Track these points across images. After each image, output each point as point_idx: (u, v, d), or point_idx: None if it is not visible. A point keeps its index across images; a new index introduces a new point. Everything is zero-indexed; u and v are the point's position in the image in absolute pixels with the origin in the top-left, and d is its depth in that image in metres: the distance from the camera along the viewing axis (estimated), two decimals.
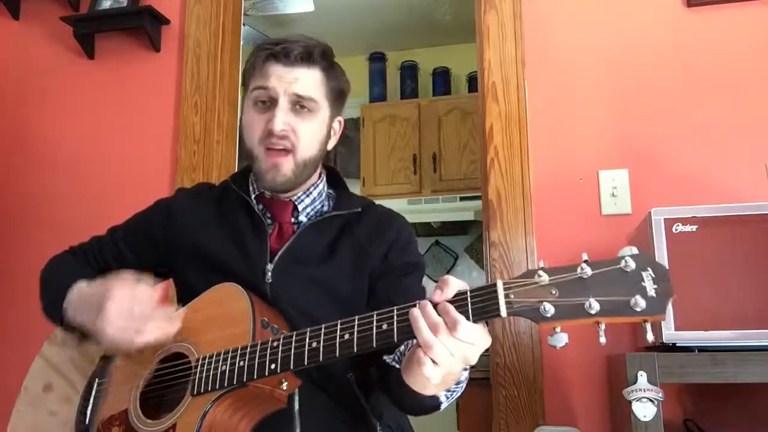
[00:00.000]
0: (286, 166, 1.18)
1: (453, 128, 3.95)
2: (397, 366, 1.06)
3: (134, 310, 1.07)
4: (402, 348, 1.11)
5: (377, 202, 1.36)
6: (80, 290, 1.20)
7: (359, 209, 1.26)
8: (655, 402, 1.33)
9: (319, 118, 1.21)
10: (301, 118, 1.18)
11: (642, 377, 1.35)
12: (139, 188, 2.14)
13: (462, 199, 3.84)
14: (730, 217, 1.44)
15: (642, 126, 1.87)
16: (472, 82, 4.04)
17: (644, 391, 1.34)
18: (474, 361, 0.88)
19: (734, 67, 1.84)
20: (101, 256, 1.32)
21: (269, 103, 1.18)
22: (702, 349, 1.39)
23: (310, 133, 1.19)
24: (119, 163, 2.20)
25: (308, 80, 1.18)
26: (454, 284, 0.88)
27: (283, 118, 1.16)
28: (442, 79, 4.25)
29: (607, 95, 1.90)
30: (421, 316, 0.86)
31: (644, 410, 1.34)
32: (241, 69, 2.34)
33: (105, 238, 1.35)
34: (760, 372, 1.34)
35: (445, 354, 0.85)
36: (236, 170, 2.21)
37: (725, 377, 1.35)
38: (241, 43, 2.38)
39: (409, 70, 4.27)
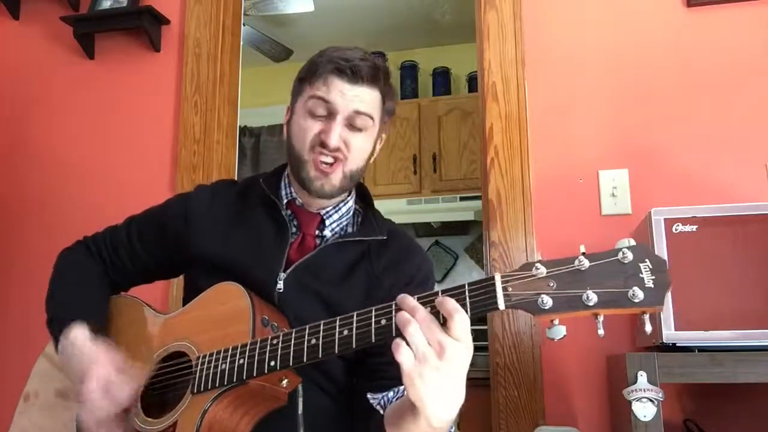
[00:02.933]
0: (335, 176, 1.19)
1: (453, 128, 3.95)
2: (381, 412, 1.06)
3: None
4: (390, 395, 1.10)
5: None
6: (69, 345, 1.15)
7: (384, 237, 1.25)
8: (655, 402, 1.33)
9: (369, 134, 1.21)
10: (354, 133, 1.18)
11: (642, 377, 1.35)
12: (139, 188, 2.14)
13: (462, 199, 3.83)
14: (730, 217, 1.44)
15: (642, 126, 1.87)
16: (472, 82, 4.04)
17: (644, 391, 1.34)
18: (457, 362, 0.81)
19: (734, 67, 1.84)
20: (115, 253, 1.31)
21: (326, 115, 1.17)
22: (702, 349, 1.39)
23: (360, 147, 1.20)
24: (119, 163, 2.20)
25: (368, 99, 1.18)
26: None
27: (338, 132, 1.16)
28: (442, 79, 4.25)
29: (607, 95, 1.90)
30: (409, 307, 0.85)
31: (644, 410, 1.34)
32: (241, 69, 2.34)
33: (119, 232, 1.32)
34: (760, 372, 1.34)
35: (419, 336, 0.81)
36: (235, 170, 2.25)
37: (725, 377, 1.35)
38: (241, 43, 2.38)
39: (409, 70, 4.27)
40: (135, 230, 1.31)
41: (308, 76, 1.19)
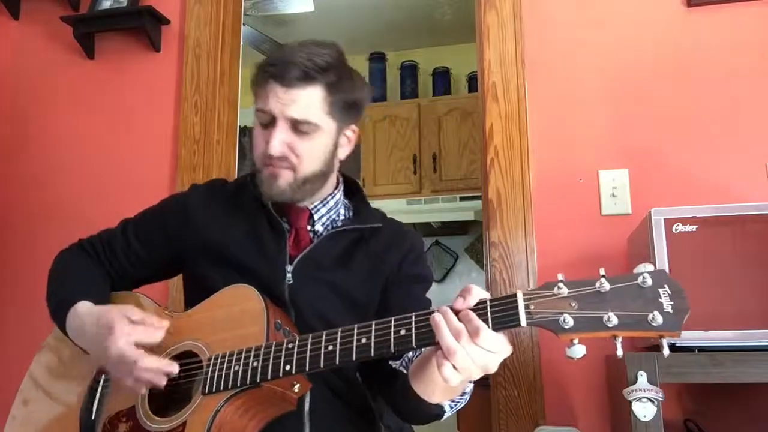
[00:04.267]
0: (284, 179, 1.17)
1: (453, 128, 3.95)
2: (404, 371, 1.07)
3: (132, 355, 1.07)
4: (410, 354, 1.11)
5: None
6: (81, 316, 1.15)
7: (379, 225, 1.26)
8: (655, 402, 1.33)
9: (321, 135, 1.17)
10: (301, 137, 1.15)
11: (642, 377, 1.34)
12: (139, 188, 2.14)
13: (462, 199, 3.84)
14: (730, 217, 1.44)
15: (642, 126, 1.86)
16: (472, 82, 4.04)
17: (644, 391, 1.34)
18: (494, 369, 0.89)
19: (734, 67, 1.84)
20: (111, 252, 1.30)
21: (270, 122, 1.16)
22: (702, 349, 1.39)
23: (310, 151, 1.16)
24: (119, 163, 2.20)
25: (306, 101, 1.13)
26: (476, 293, 0.89)
27: (280, 139, 1.14)
28: (442, 79, 4.25)
29: (607, 95, 1.90)
30: (443, 322, 0.87)
31: (644, 410, 1.33)
32: (241, 69, 2.34)
33: (116, 233, 1.32)
34: (760, 372, 1.34)
35: (467, 361, 0.86)
36: (235, 170, 2.25)
37: (725, 377, 1.35)
38: (241, 43, 2.38)
39: (409, 70, 4.27)
40: (132, 231, 1.31)
41: (253, 84, 1.19)
